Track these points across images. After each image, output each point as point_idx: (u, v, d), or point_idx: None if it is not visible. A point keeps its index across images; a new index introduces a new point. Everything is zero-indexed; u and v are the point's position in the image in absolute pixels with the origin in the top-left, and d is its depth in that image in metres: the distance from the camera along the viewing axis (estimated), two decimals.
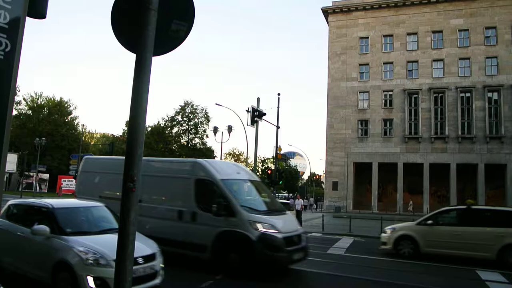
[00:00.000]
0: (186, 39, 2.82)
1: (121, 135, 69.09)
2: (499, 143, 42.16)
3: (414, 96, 45.66)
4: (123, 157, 2.50)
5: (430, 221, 13.61)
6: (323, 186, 66.60)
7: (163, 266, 7.21)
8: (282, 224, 9.54)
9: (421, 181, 43.84)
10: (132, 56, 2.60)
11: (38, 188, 49.63)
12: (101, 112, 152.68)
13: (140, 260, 6.53)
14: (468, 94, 43.88)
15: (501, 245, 11.91)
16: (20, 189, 45.62)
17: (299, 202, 25.31)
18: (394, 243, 13.71)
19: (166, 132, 69.77)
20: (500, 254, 11.87)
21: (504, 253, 11.80)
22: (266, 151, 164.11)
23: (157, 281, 6.90)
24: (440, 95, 44.67)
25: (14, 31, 2.69)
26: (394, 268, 11.43)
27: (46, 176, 54.01)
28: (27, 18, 2.83)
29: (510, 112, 42.11)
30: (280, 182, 31.66)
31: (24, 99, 64.15)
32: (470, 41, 44.50)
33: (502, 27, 43.51)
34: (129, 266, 2.30)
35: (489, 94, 43.46)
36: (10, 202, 8.59)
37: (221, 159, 42.16)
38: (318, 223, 23.39)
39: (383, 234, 14.53)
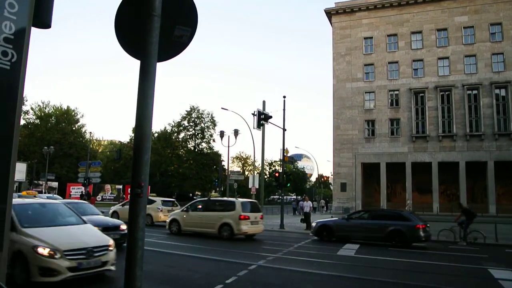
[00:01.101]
0: (190, 44, 2.83)
1: (128, 142, 69.48)
2: (508, 139, 41.79)
3: (421, 95, 45.44)
4: None
5: (185, 208, 18.68)
6: (331, 187, 66.40)
7: None
8: None
9: (430, 180, 43.55)
10: (138, 62, 2.61)
11: None
12: (108, 119, 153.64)
13: None
14: (475, 92, 43.60)
15: (220, 223, 16.92)
16: None
17: (308, 204, 25.35)
18: (168, 224, 18.64)
19: (173, 137, 70.04)
20: (219, 230, 16.86)
21: (221, 229, 16.85)
22: (273, 154, 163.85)
23: None
24: (446, 93, 44.43)
25: (20, 42, 2.72)
26: (405, 269, 11.35)
27: (55, 184, 54.40)
28: (32, 28, 2.85)
29: None
30: (288, 185, 31.61)
31: (31, 108, 64.79)
32: (475, 38, 44.24)
33: (507, 23, 43.21)
34: (138, 272, 2.30)
35: (497, 91, 43.15)
36: None
37: (228, 163, 42.10)
38: None
39: (167, 220, 19.30)
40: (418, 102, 45.64)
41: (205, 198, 21.69)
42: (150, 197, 26.81)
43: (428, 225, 16.37)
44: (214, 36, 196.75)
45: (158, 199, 25.29)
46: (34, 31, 2.91)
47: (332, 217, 23.33)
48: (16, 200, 8.44)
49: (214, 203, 19.11)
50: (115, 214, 23.25)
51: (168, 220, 18.91)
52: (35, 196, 23.29)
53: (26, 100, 61.53)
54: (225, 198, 22.56)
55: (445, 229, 17.51)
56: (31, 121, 64.43)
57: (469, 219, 17.04)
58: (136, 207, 2.35)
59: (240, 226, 16.68)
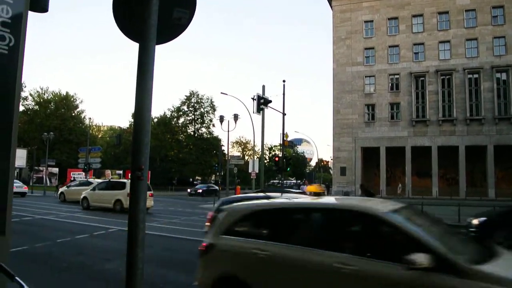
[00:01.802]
0: (189, 27, 2.81)
1: (128, 127, 69.48)
2: (508, 124, 41.75)
3: (421, 79, 45.25)
4: None
5: (93, 188, 23.89)
6: (331, 171, 66.62)
7: None
8: None
9: (430, 165, 43.65)
10: (137, 46, 2.59)
11: (48, 182, 50.18)
12: (107, 105, 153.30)
13: None
14: (476, 75, 43.39)
15: (114, 199, 21.66)
16: (31, 184, 46.13)
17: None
18: (81, 201, 23.13)
19: (173, 122, 70.06)
20: (114, 204, 21.60)
21: (115, 204, 21.58)
22: (273, 139, 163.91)
23: None
24: (447, 77, 44.23)
25: (17, 26, 2.70)
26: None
27: (55, 170, 54.54)
28: (29, 12, 2.83)
29: None
30: (288, 169, 31.65)
31: (30, 94, 64.68)
32: (477, 21, 43.83)
33: (510, 6, 42.74)
34: (140, 253, 2.33)
35: (497, 75, 42.94)
36: None
37: (228, 148, 42.18)
38: None
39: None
40: (418, 86, 45.47)
41: (107, 180, 27.27)
42: None
43: None
44: (213, 20, 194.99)
45: None
46: (32, 15, 2.89)
47: None
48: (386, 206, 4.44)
49: (112, 184, 24.06)
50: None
51: (81, 197, 23.36)
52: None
53: (25, 86, 61.35)
54: (120, 180, 27.79)
55: None
56: (30, 107, 64.38)
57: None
58: (136, 190, 2.37)
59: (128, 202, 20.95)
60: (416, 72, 45.11)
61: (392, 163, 45.80)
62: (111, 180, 27.81)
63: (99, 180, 31.75)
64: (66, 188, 29.81)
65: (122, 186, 22.10)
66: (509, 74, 42.16)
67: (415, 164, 44.41)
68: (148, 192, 22.61)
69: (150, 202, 22.51)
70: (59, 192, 30.67)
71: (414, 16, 46.18)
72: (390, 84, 46.60)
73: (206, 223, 7.38)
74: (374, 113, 46.71)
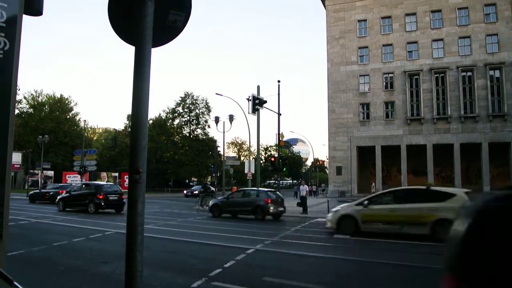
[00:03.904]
0: (184, 29, 2.81)
1: (123, 129, 69.36)
2: (502, 121, 41.97)
3: (415, 77, 45.41)
4: None
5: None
6: (327, 171, 66.76)
7: None
8: None
9: (425, 163, 43.80)
10: (132, 49, 2.59)
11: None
12: (102, 107, 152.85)
13: None
14: (469, 73, 43.60)
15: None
16: (26, 187, 45.93)
17: (304, 188, 25.68)
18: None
19: (168, 124, 69.99)
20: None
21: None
22: (269, 139, 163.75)
23: None
24: (441, 75, 44.41)
25: (12, 29, 2.69)
26: (398, 249, 11.51)
27: (51, 173, 54.35)
28: (24, 16, 2.82)
29: None
30: (284, 169, 31.66)
31: (24, 97, 64.41)
32: (469, 19, 44.05)
33: (502, 4, 43.01)
34: (139, 256, 2.33)
35: (491, 72, 43.16)
36: None
37: (223, 148, 42.14)
38: (323, 208, 23.47)
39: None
40: (412, 85, 45.63)
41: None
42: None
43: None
44: (207, 21, 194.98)
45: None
46: (26, 18, 2.88)
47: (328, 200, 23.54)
48: None
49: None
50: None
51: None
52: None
53: (19, 89, 61.07)
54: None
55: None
56: (25, 110, 64.10)
57: (206, 192, 27.89)
58: (134, 193, 2.36)
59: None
60: (410, 71, 45.27)
61: (388, 161, 45.93)
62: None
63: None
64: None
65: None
66: (502, 72, 42.39)
67: (411, 162, 44.54)
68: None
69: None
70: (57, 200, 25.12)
71: (407, 14, 46.34)
72: (384, 83, 46.73)
73: None
74: (369, 112, 46.82)
